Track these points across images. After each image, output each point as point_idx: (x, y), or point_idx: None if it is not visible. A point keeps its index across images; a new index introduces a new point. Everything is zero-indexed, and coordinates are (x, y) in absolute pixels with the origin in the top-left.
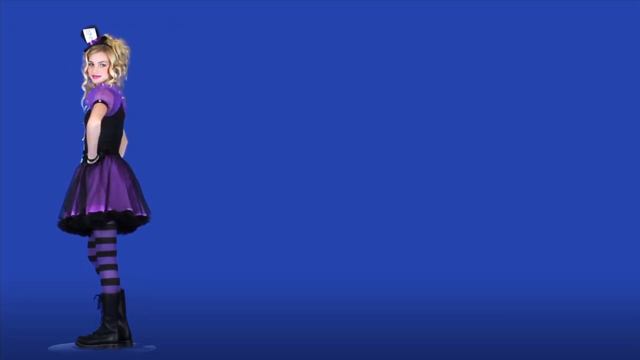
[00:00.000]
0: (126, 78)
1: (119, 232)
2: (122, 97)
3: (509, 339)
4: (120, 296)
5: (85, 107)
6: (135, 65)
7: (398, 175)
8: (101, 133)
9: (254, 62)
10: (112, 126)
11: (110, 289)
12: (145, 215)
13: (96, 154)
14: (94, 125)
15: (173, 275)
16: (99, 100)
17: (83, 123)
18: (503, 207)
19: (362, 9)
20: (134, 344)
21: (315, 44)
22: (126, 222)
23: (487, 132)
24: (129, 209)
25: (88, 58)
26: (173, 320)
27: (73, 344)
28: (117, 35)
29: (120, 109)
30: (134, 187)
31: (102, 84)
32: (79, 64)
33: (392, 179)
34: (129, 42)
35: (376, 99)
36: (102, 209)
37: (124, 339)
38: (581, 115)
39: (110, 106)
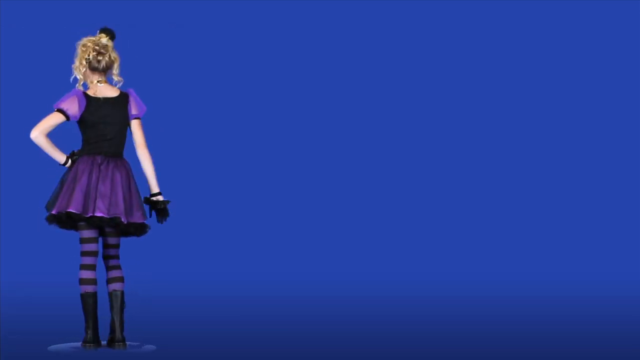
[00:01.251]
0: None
1: (123, 235)
2: (113, 95)
3: (509, 339)
4: (111, 297)
5: None
6: (135, 66)
7: (398, 176)
8: (83, 135)
9: (253, 63)
10: (88, 128)
11: (81, 289)
12: (101, 215)
13: (63, 159)
14: (31, 136)
15: (173, 275)
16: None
17: None
18: (503, 207)
19: (362, 9)
20: (127, 344)
21: (315, 44)
22: (70, 222)
23: (487, 133)
24: (69, 210)
25: None
26: (173, 320)
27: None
28: (118, 35)
29: (89, 112)
30: (97, 187)
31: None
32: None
33: (392, 179)
34: (129, 42)
35: (376, 99)
36: (54, 212)
37: (112, 340)
38: (581, 115)
39: (69, 112)
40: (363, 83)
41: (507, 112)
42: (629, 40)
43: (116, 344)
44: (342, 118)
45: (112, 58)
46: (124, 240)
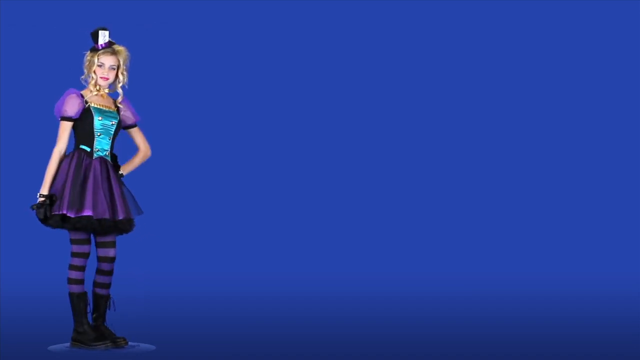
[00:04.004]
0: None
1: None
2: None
3: (510, 340)
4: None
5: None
6: (135, 66)
7: (397, 174)
8: None
9: (253, 61)
10: None
11: None
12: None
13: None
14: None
15: (172, 274)
16: None
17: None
18: (503, 205)
19: (362, 9)
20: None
21: (315, 44)
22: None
23: (487, 132)
24: None
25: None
26: (173, 320)
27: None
28: (117, 35)
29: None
30: None
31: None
32: (79, 63)
33: (391, 177)
34: (127, 43)
35: (375, 98)
36: None
37: None
38: (581, 114)
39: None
40: (362, 83)
41: (507, 112)
42: (629, 40)
43: None
44: (340, 117)
45: None
46: (121, 238)
